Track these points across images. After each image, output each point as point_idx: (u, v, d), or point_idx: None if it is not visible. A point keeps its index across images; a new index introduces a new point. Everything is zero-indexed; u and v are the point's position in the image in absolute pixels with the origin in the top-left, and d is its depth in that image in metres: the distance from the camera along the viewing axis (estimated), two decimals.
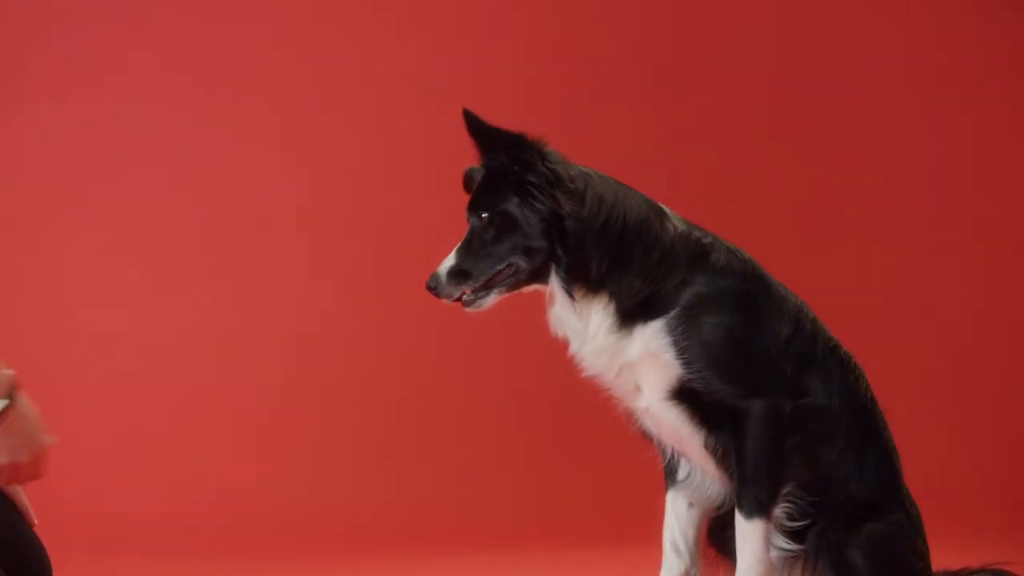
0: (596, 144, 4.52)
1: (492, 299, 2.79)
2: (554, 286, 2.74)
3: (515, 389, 4.82)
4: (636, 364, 2.74)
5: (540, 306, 2.82)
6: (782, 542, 2.71)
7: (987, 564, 2.86)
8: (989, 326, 5.17)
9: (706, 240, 2.77)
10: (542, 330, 2.83)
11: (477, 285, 2.77)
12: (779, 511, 2.69)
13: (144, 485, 4.66)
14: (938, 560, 2.77)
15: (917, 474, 2.84)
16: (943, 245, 5.19)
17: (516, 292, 2.81)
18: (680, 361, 2.69)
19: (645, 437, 2.87)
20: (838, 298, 4.90)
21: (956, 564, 2.82)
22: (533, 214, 2.70)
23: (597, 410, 2.87)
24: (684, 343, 2.68)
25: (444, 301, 2.81)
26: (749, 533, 2.68)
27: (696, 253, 2.74)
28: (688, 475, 2.86)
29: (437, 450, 4.86)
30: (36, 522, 2.70)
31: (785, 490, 2.68)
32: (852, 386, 2.77)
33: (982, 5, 5.24)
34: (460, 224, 2.83)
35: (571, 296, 2.72)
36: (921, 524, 2.76)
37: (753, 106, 5.15)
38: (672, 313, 2.69)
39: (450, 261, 2.79)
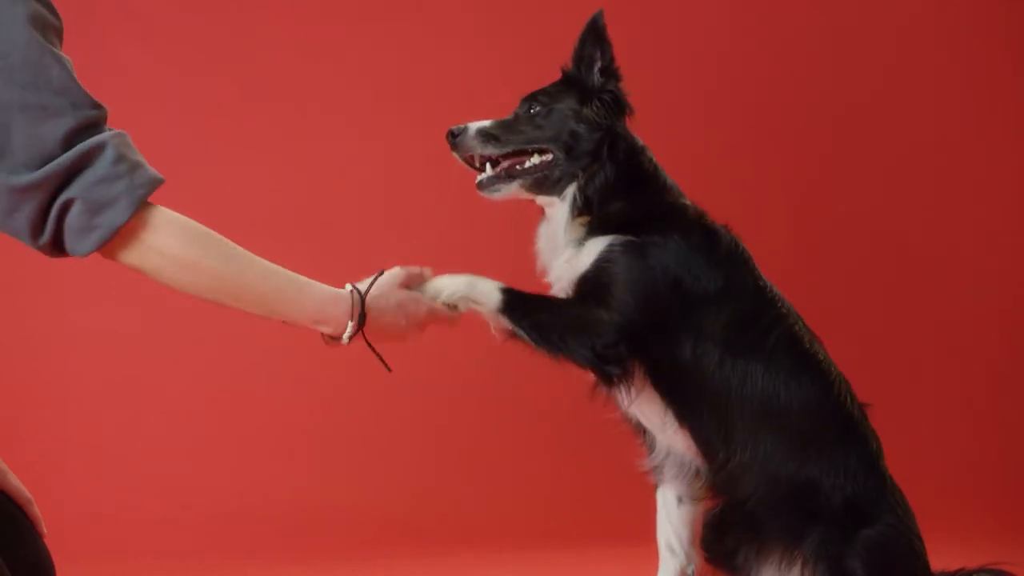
0: None
1: (510, 190, 2.76)
2: (566, 198, 2.72)
3: (516, 389, 4.82)
4: None
5: None
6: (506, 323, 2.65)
7: (985, 564, 2.84)
8: (988, 326, 5.17)
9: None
10: None
11: (502, 153, 2.73)
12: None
13: (146, 486, 4.67)
14: (935, 561, 2.76)
15: (914, 474, 2.84)
16: (943, 245, 5.19)
17: (531, 199, 2.77)
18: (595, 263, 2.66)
19: (626, 422, 2.84)
20: (837, 297, 4.92)
21: (953, 565, 2.81)
22: (591, 122, 2.73)
23: (597, 410, 2.87)
24: (608, 261, 2.64)
25: (456, 156, 2.76)
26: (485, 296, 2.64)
27: (687, 223, 2.73)
28: (662, 455, 2.80)
29: (437, 451, 4.86)
30: (46, 532, 2.71)
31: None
32: (809, 383, 2.68)
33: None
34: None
35: (575, 214, 2.71)
36: (915, 523, 2.73)
37: (753, 107, 5.16)
38: (626, 236, 2.66)
39: (482, 123, 2.76)
